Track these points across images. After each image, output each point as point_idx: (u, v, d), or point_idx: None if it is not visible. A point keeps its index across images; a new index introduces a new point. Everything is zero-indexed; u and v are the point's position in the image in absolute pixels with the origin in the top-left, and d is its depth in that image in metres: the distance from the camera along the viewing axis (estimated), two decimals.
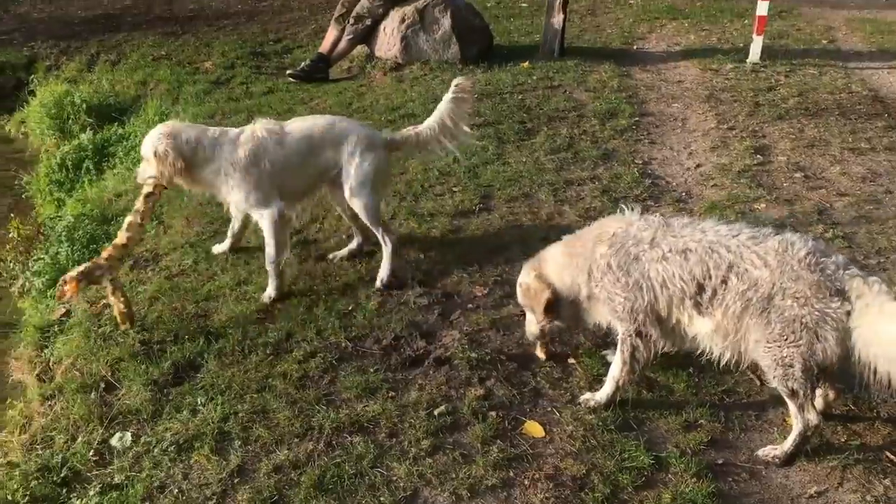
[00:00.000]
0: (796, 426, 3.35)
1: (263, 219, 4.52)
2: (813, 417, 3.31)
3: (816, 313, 3.16)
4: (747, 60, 8.84)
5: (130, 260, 5.04)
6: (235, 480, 3.32)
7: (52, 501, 3.33)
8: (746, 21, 10.52)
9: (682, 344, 3.60)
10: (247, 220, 4.89)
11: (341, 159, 4.60)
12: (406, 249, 4.97)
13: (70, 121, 8.09)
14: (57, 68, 9.61)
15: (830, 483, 3.30)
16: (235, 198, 4.52)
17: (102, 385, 3.93)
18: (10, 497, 3.34)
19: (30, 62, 9.76)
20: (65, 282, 4.19)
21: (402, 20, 8.65)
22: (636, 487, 3.25)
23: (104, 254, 4.36)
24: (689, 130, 7.04)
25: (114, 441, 3.57)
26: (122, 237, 4.42)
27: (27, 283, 5.51)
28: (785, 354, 3.21)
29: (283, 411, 3.66)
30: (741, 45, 9.47)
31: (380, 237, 4.72)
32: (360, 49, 8.97)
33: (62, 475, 3.41)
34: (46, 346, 4.50)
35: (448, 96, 4.72)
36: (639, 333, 3.52)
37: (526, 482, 3.28)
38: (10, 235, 6.25)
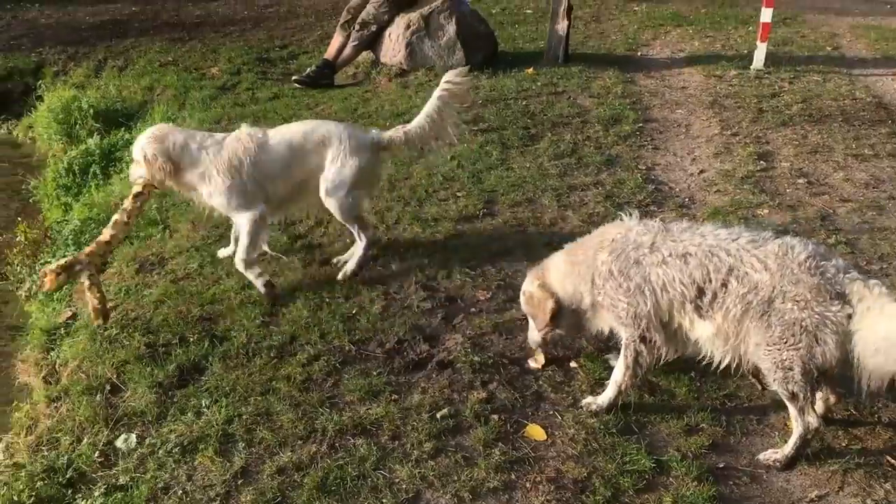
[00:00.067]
0: (796, 429, 3.36)
1: (242, 218, 4.59)
2: (813, 420, 3.32)
3: (816, 316, 3.18)
4: (751, 67, 8.85)
5: (136, 263, 5.09)
6: (239, 482, 3.34)
7: (57, 502, 3.36)
8: (751, 28, 10.53)
9: (685, 349, 3.61)
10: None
11: (325, 163, 4.65)
12: (410, 254, 5.00)
13: (77, 126, 8.15)
14: (64, 74, 9.68)
15: (831, 487, 3.31)
16: (217, 201, 4.60)
17: (108, 387, 3.96)
18: (16, 497, 3.36)
19: (38, 67, 9.84)
20: (44, 274, 4.30)
21: (408, 26, 8.69)
22: (637, 490, 3.27)
23: (86, 249, 4.44)
24: (693, 136, 7.07)
25: (119, 442, 3.60)
26: (106, 234, 4.52)
27: (34, 287, 5.55)
28: (785, 357, 3.23)
29: (286, 414, 3.69)
30: (745, 51, 9.48)
31: (355, 233, 4.78)
32: (366, 55, 9.02)
33: (68, 476, 3.44)
34: (53, 349, 4.54)
35: (437, 92, 4.73)
36: (643, 338, 3.54)
37: (527, 485, 3.30)
38: (18, 239, 6.30)
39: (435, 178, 6.05)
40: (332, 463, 3.40)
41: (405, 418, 3.65)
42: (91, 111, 8.18)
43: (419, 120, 4.78)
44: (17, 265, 5.98)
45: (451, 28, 8.70)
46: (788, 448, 3.39)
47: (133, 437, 3.62)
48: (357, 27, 8.74)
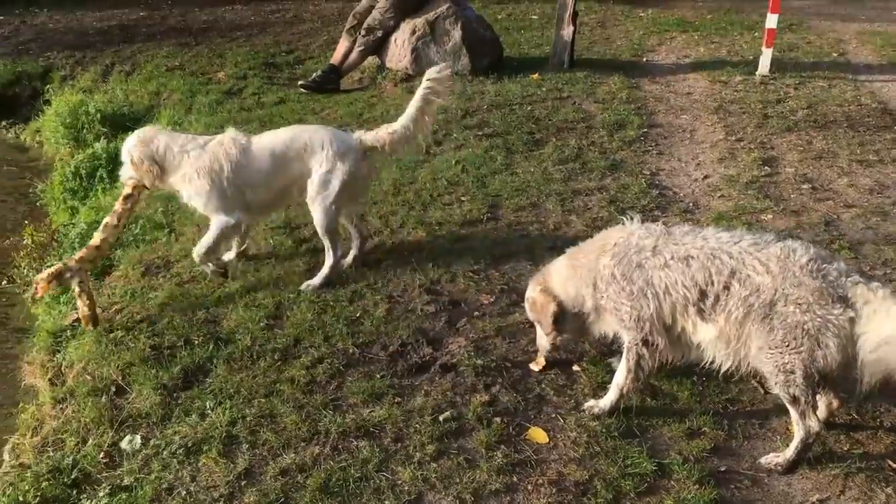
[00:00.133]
0: (798, 433, 3.36)
1: (216, 221, 4.68)
2: (814, 424, 3.33)
3: (818, 320, 3.18)
4: (756, 73, 8.87)
5: (142, 266, 5.12)
6: (242, 483, 3.36)
7: (62, 502, 3.37)
8: (756, 34, 10.56)
9: (689, 353, 3.62)
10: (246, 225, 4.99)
11: (310, 170, 4.67)
12: (414, 257, 5.01)
13: (84, 130, 8.19)
14: (72, 78, 9.75)
15: (832, 491, 3.31)
16: (196, 202, 4.69)
17: (113, 389, 3.99)
18: (21, 498, 3.39)
19: (45, 72, 9.91)
20: (37, 283, 4.39)
21: (413, 32, 8.72)
22: (638, 493, 3.28)
23: (77, 255, 4.52)
24: (698, 142, 7.08)
25: (123, 444, 3.62)
26: (96, 239, 4.60)
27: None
28: (786, 361, 3.23)
29: (290, 416, 3.71)
30: (751, 57, 9.50)
31: (326, 247, 4.79)
32: (371, 60, 9.05)
33: (73, 477, 3.46)
34: (59, 351, 4.56)
35: (420, 91, 4.72)
36: (645, 342, 3.55)
37: (529, 487, 3.31)
38: (25, 242, 6.34)
39: (440, 183, 6.07)
40: (335, 464, 3.42)
41: (408, 421, 3.67)
42: (98, 115, 8.23)
43: (404, 120, 4.75)
44: (24, 268, 6.01)
45: (456, 33, 8.73)
46: (790, 452, 3.39)
47: (138, 438, 3.64)
48: (363, 32, 8.78)
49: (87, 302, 4.45)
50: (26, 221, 6.76)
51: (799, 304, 3.22)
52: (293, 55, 10.11)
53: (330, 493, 3.28)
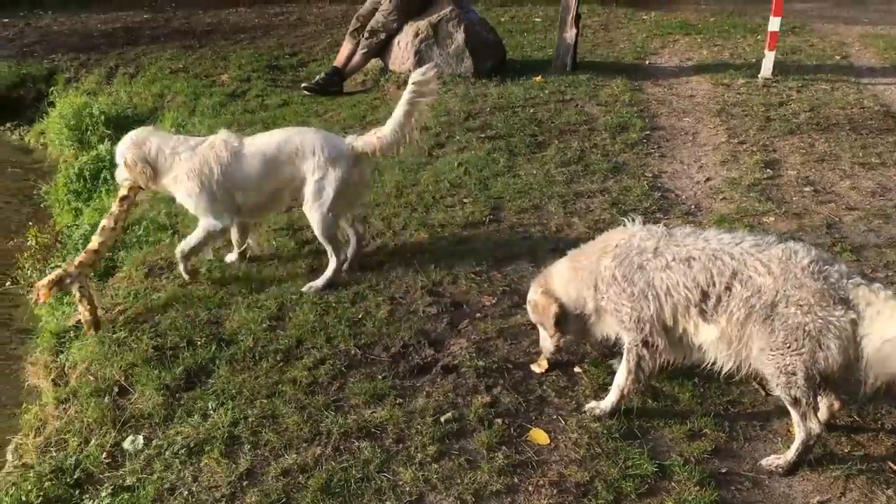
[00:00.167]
0: (799, 435, 3.37)
1: (202, 223, 4.73)
2: (815, 426, 3.33)
3: (820, 321, 3.19)
4: (759, 76, 8.87)
5: (146, 267, 5.13)
6: (244, 483, 3.37)
7: (65, 502, 3.38)
8: (759, 37, 10.55)
9: (691, 355, 3.62)
10: (244, 226, 5.02)
11: (302, 174, 4.67)
12: (416, 259, 5.03)
13: (88, 132, 8.21)
14: (76, 80, 9.77)
15: (833, 493, 3.31)
16: (187, 203, 4.73)
17: (116, 389, 4.00)
18: (24, 497, 3.39)
19: (50, 74, 9.93)
20: (38, 290, 4.45)
21: (416, 34, 8.74)
22: (639, 495, 3.28)
23: (77, 259, 4.56)
24: (700, 144, 7.09)
25: (126, 444, 3.64)
26: (94, 242, 4.65)
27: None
28: (788, 362, 3.24)
29: (292, 416, 3.72)
30: (753, 60, 9.50)
31: (329, 252, 4.80)
32: (375, 63, 9.08)
33: (75, 477, 3.47)
34: (62, 352, 4.58)
35: (406, 95, 4.69)
36: (645, 343, 3.55)
37: (530, 488, 3.32)
38: (29, 243, 6.36)
39: (442, 185, 6.09)
40: (337, 465, 3.42)
41: (409, 422, 3.67)
42: (102, 117, 8.25)
43: (392, 124, 4.73)
44: (28, 269, 6.03)
45: (459, 36, 8.75)
46: (791, 453, 3.40)
47: (140, 438, 3.66)
48: (366, 35, 8.81)
49: (89, 307, 4.48)
50: (30, 223, 6.78)
51: (800, 305, 3.22)
52: (297, 58, 10.13)
53: (331, 493, 3.29)
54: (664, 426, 3.66)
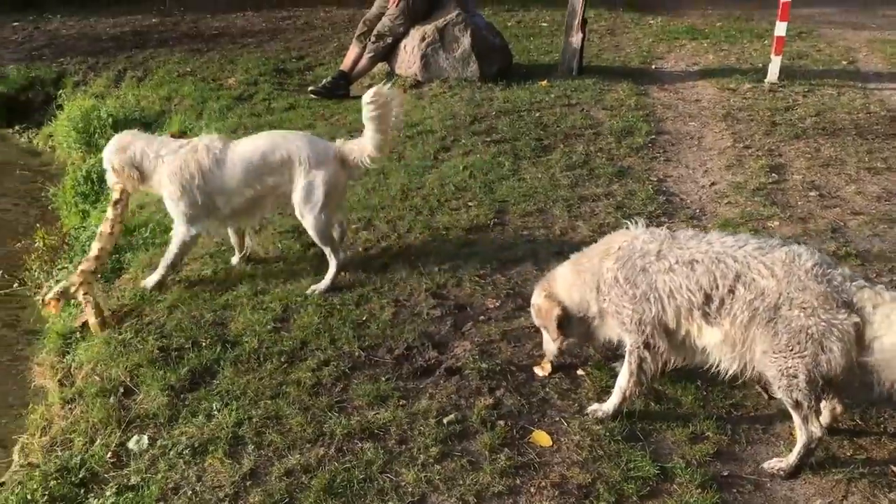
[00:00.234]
0: (800, 438, 3.37)
1: (177, 232, 4.78)
2: (817, 429, 3.33)
3: (823, 324, 3.19)
4: (765, 80, 8.87)
5: (151, 269, 5.15)
6: (248, 483, 3.39)
7: (70, 501, 3.41)
8: (765, 41, 10.54)
9: (693, 357, 3.63)
10: (240, 227, 5.06)
11: (288, 179, 4.68)
12: (421, 261, 5.04)
13: (96, 135, 8.24)
14: (84, 83, 9.82)
15: (835, 496, 3.31)
16: (168, 205, 4.77)
17: (121, 390, 4.03)
18: (30, 496, 3.43)
19: (58, 77, 9.99)
20: (48, 303, 4.65)
21: (423, 38, 8.77)
22: (641, 497, 3.29)
23: (80, 267, 4.68)
24: (705, 149, 7.09)
25: (131, 444, 3.66)
26: (94, 249, 4.79)
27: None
28: (790, 365, 3.24)
29: (295, 417, 3.74)
30: (760, 65, 9.49)
31: (328, 255, 4.82)
32: (381, 66, 9.11)
33: (80, 476, 3.50)
34: (68, 352, 4.61)
35: (365, 118, 4.60)
36: (646, 345, 3.56)
37: (532, 490, 3.33)
38: (36, 245, 6.40)
39: (447, 188, 6.11)
40: (340, 466, 3.44)
41: (412, 423, 3.69)
42: (110, 120, 8.28)
43: (368, 134, 4.65)
44: (36, 270, 6.07)
45: (465, 40, 8.77)
46: (793, 457, 3.40)
47: (145, 438, 3.68)
48: (373, 39, 8.84)
49: (95, 311, 4.55)
50: (38, 225, 6.82)
51: (803, 308, 3.22)
52: (304, 61, 10.17)
53: (334, 493, 3.31)
54: (666, 429, 3.67)
